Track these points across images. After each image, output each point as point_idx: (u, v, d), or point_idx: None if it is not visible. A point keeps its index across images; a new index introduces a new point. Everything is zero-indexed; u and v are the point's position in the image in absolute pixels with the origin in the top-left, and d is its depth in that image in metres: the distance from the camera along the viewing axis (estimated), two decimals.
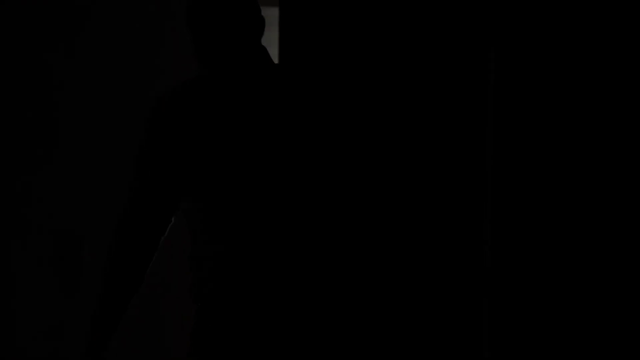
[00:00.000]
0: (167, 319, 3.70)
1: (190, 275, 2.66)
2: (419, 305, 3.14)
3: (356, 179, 2.59)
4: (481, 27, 3.20)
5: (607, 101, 3.19)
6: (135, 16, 3.79)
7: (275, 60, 6.12)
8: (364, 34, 3.13)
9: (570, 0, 3.17)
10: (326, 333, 2.55)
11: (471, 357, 3.13)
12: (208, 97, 2.50)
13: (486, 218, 3.15)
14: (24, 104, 3.82)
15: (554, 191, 3.14)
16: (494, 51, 3.14)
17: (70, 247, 3.73)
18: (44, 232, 3.80)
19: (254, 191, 2.51)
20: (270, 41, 6.17)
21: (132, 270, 2.55)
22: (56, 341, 3.83)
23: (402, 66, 3.13)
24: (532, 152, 3.15)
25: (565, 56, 3.19)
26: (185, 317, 3.74)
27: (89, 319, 3.80)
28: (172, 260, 3.61)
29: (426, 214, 3.09)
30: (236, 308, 2.54)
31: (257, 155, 2.50)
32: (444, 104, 3.21)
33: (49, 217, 3.79)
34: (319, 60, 3.11)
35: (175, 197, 2.56)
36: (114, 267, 2.54)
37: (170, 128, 2.51)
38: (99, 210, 3.78)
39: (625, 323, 3.15)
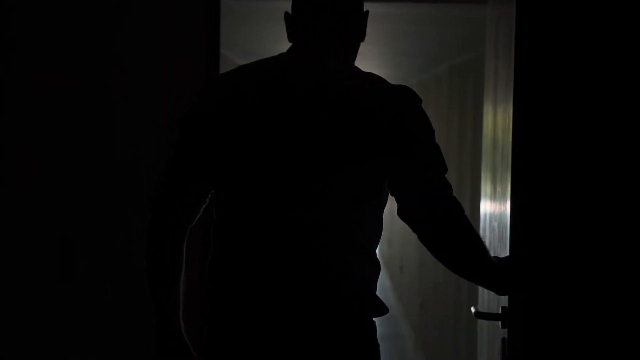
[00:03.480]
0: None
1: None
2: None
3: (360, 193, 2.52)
4: None
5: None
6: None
7: None
8: None
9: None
10: (319, 338, 2.51)
11: None
12: (246, 87, 2.51)
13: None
14: (22, 108, 3.78)
15: (575, 196, 3.06)
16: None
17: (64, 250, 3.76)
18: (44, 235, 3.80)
19: (252, 194, 2.51)
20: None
21: (162, 248, 2.60)
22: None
23: None
24: (554, 155, 3.08)
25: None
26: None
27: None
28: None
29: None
30: (225, 310, 2.55)
31: (264, 159, 2.49)
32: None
33: (50, 220, 3.80)
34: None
35: (196, 179, 2.57)
36: (147, 243, 2.62)
37: (203, 111, 2.54)
38: (90, 214, 3.79)
39: None
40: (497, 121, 3.56)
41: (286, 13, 2.57)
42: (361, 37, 2.61)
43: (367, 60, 9.05)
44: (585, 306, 3.03)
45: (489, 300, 3.51)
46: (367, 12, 2.58)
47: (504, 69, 3.36)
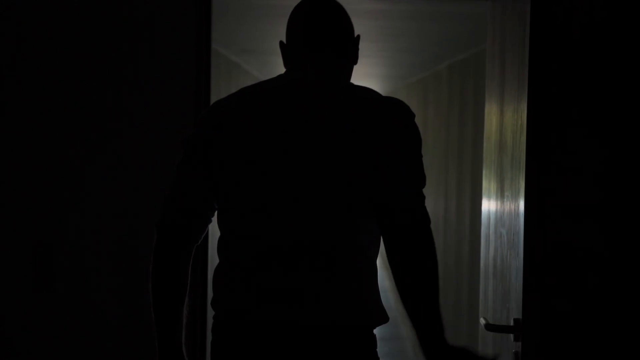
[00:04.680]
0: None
1: None
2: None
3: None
4: None
5: None
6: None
7: None
8: None
9: None
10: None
11: None
12: (248, 105, 2.58)
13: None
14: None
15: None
16: None
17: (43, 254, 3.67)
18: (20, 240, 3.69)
19: (258, 206, 2.55)
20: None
21: (169, 267, 2.59)
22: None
23: None
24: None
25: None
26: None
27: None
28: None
29: None
30: (230, 319, 2.57)
31: (269, 172, 2.54)
32: None
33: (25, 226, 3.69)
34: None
35: (202, 198, 2.60)
36: (154, 264, 2.62)
37: (207, 130, 2.59)
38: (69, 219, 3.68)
39: None
40: (504, 121, 3.43)
41: (281, 42, 2.67)
42: (355, 60, 2.71)
43: (367, 58, 8.98)
44: (611, 316, 2.91)
45: (494, 309, 3.38)
46: (359, 36, 2.67)
47: (514, 68, 3.23)
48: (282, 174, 2.53)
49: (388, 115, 2.53)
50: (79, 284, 3.66)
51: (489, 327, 2.98)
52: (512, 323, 2.98)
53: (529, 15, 2.96)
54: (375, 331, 2.60)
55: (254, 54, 8.66)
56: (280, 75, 2.64)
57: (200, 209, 2.62)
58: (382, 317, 2.58)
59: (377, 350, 2.59)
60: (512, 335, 2.96)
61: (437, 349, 2.42)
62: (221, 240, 2.63)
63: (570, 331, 2.91)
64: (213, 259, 3.45)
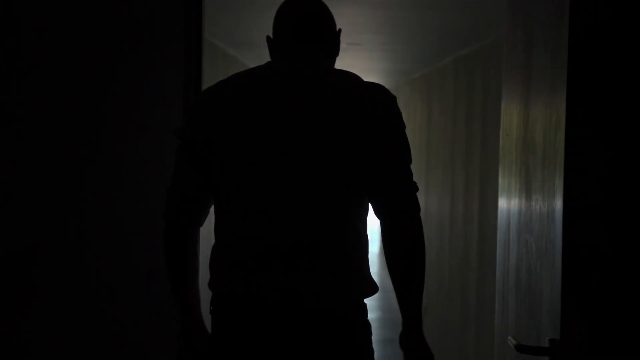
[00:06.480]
0: None
1: None
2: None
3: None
4: None
5: None
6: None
7: None
8: None
9: None
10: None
11: None
12: (245, 103, 2.71)
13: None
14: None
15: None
16: None
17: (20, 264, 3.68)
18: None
19: (254, 187, 2.67)
20: None
21: (176, 246, 2.80)
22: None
23: None
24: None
25: None
26: None
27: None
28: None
29: None
30: (226, 296, 2.72)
31: (268, 173, 2.66)
32: None
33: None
34: None
35: (201, 183, 2.75)
36: (165, 248, 2.83)
37: (200, 116, 2.75)
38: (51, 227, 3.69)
39: None
40: (529, 117, 3.12)
41: (268, 37, 2.86)
42: (337, 51, 2.88)
43: (368, 52, 8.83)
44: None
45: (517, 324, 3.05)
46: (340, 30, 2.88)
47: (544, 58, 2.91)
48: (281, 175, 2.65)
49: (376, 104, 2.67)
50: (79, 284, 3.67)
51: (520, 348, 2.64)
52: (546, 343, 2.64)
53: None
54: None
55: (252, 47, 8.50)
56: (269, 63, 2.80)
57: (202, 210, 2.81)
58: (372, 289, 2.73)
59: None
60: (547, 358, 2.61)
61: (412, 324, 2.64)
62: (217, 222, 2.78)
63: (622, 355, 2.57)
64: (207, 245, 3.33)
